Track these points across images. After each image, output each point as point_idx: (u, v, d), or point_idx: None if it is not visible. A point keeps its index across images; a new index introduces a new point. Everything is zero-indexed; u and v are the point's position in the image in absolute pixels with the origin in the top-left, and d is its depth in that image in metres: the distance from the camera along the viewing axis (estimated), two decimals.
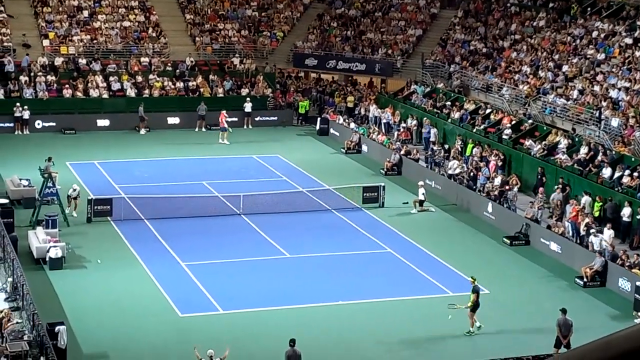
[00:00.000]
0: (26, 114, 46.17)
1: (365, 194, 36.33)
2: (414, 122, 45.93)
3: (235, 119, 48.00)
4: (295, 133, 49.12)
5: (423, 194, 36.00)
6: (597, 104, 40.02)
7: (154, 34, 54.46)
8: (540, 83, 44.58)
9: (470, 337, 24.46)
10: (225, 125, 45.85)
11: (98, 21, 54.39)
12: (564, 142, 37.85)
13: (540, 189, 35.13)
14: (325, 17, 58.51)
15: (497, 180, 36.35)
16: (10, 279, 26.05)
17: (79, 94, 48.70)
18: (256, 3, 59.21)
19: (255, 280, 28.15)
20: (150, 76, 50.71)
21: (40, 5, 54.21)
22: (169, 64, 52.32)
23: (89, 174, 39.04)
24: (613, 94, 40.20)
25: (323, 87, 54.69)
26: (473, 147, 40.31)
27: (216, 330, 24.44)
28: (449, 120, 44.40)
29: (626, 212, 31.60)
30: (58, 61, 50.49)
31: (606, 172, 34.41)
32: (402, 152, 41.71)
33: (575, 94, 41.83)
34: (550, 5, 51.71)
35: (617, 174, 33.97)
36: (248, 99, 49.88)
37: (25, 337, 22.14)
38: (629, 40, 43.88)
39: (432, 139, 43.27)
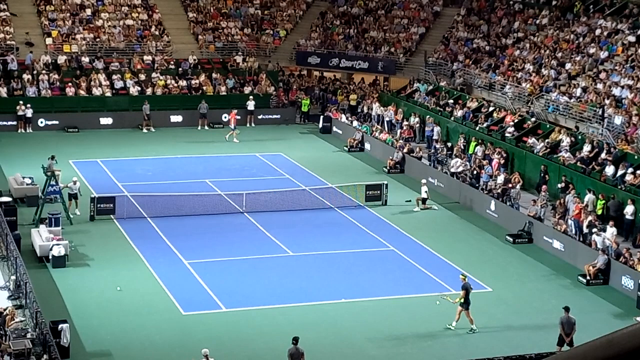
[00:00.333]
0: (29, 112, 46.19)
1: (368, 192, 36.33)
2: (417, 120, 45.92)
3: (239, 117, 48.01)
4: (298, 131, 49.13)
5: (426, 192, 36.00)
6: (600, 101, 39.98)
7: (156, 32, 54.48)
8: (543, 81, 44.52)
9: (471, 334, 24.43)
10: (233, 125, 45.89)
11: (101, 19, 54.43)
12: (566, 140, 37.81)
13: (544, 186, 35.13)
14: (328, 15, 58.47)
15: (500, 178, 36.34)
16: (13, 277, 26.09)
17: (82, 92, 48.74)
18: (259, 1, 59.19)
19: (258, 278, 28.15)
20: (153, 74, 50.72)
21: (43, 4, 54.22)
22: (172, 62, 52.36)
23: (92, 172, 39.07)
24: (616, 91, 40.14)
25: (326, 85, 54.68)
26: (476, 145, 40.30)
27: (219, 329, 24.43)
28: (452, 118, 44.37)
29: (629, 210, 31.58)
30: (61, 59, 50.51)
31: (609, 169, 34.38)
32: (405, 150, 41.70)
33: (578, 91, 41.79)
34: (553, 3, 51.61)
35: (620, 172, 33.95)
36: (251, 97, 49.88)
37: (29, 335, 22.18)
38: (632, 38, 43.82)
39: (434, 137, 43.29)
